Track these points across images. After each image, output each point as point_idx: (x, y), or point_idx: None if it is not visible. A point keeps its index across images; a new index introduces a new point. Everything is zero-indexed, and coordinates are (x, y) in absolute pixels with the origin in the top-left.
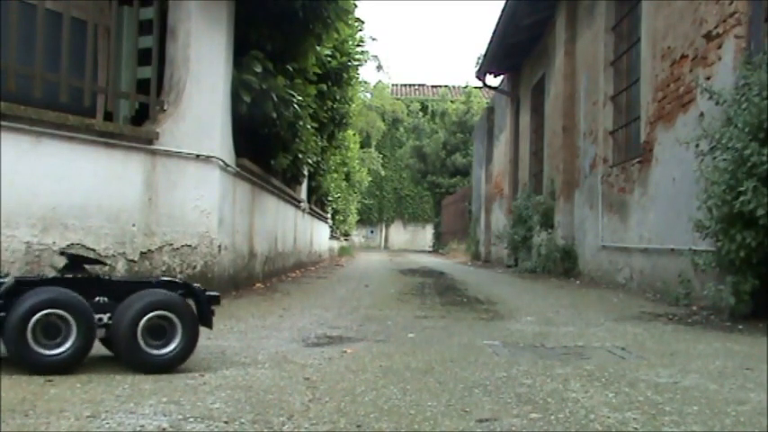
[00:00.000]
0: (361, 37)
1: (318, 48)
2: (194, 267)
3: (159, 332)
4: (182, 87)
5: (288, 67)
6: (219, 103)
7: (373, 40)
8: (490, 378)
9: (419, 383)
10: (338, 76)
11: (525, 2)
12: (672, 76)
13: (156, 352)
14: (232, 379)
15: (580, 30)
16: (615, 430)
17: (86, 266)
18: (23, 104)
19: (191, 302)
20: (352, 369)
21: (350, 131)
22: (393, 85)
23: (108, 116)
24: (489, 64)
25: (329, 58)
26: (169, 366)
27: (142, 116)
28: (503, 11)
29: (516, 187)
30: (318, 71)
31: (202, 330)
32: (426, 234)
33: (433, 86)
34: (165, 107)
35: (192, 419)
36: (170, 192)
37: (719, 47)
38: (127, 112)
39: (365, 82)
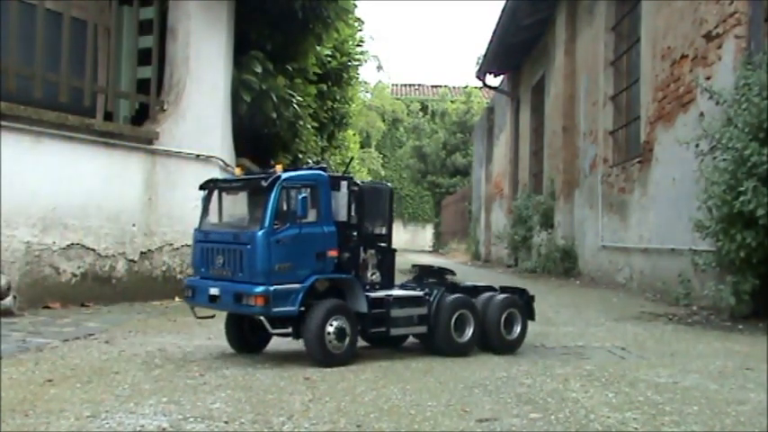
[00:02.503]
0: (360, 37)
1: (318, 48)
2: None
3: (509, 323)
4: (182, 87)
5: (288, 66)
6: (219, 103)
7: (373, 39)
8: (490, 378)
9: (419, 383)
10: (338, 76)
11: (525, 1)
12: (672, 76)
13: (508, 337)
14: (232, 379)
15: (580, 29)
16: (615, 430)
17: (448, 276)
18: (23, 104)
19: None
20: (352, 369)
21: (350, 131)
22: (393, 85)
23: (108, 116)
24: (489, 64)
25: (329, 58)
26: (514, 346)
27: (142, 116)
28: (503, 10)
29: (516, 187)
30: (318, 71)
31: (206, 331)
32: (426, 234)
33: (433, 86)
34: (165, 107)
35: (192, 419)
36: (170, 192)
37: (719, 47)
38: (127, 112)
39: (365, 82)
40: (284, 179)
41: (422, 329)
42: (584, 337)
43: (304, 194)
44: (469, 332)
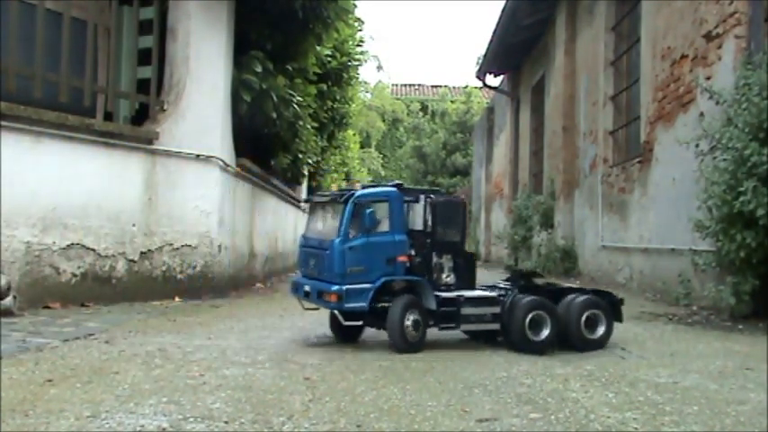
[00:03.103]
0: (360, 37)
1: (318, 48)
2: (194, 267)
3: (592, 323)
4: (182, 87)
5: (288, 66)
6: (219, 103)
7: (372, 39)
8: (490, 378)
9: (419, 383)
10: (338, 76)
11: (525, 1)
12: (672, 76)
13: (590, 336)
14: (232, 379)
15: (580, 29)
16: (615, 430)
17: (535, 279)
18: (23, 104)
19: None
20: (353, 369)
21: (350, 131)
22: (393, 85)
23: (108, 116)
24: (489, 64)
25: (329, 58)
26: (598, 346)
27: (142, 116)
28: (503, 10)
29: (516, 187)
30: (318, 71)
31: (206, 331)
32: None
33: (433, 86)
34: (165, 107)
35: (192, 419)
36: (170, 192)
37: (719, 47)
38: (127, 112)
39: (365, 82)
40: (357, 196)
41: (494, 326)
42: None
43: (372, 209)
44: (546, 332)
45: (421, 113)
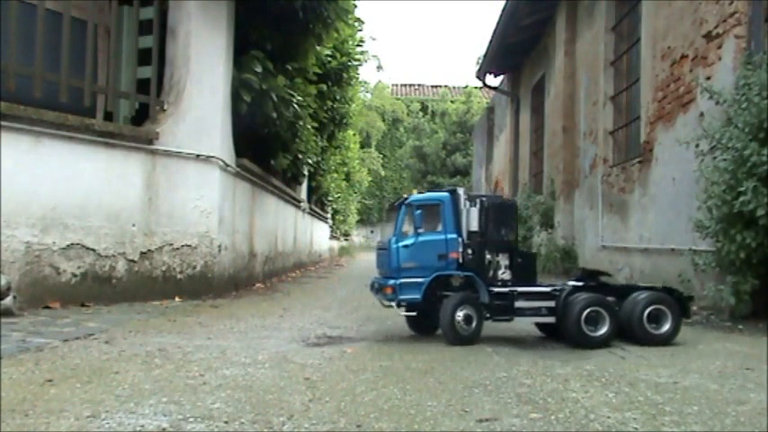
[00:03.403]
0: (360, 37)
1: (318, 48)
2: (194, 267)
3: (656, 319)
4: (182, 87)
5: (288, 66)
6: (220, 103)
7: (373, 39)
8: (490, 378)
9: (419, 383)
10: (338, 76)
11: (525, 2)
12: (672, 76)
13: (654, 331)
14: (232, 379)
15: (580, 30)
16: (615, 430)
17: (600, 277)
18: (23, 104)
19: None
20: (353, 369)
21: (350, 131)
22: (393, 85)
23: (108, 116)
24: (489, 64)
25: (329, 58)
26: (663, 341)
27: (142, 116)
28: (503, 11)
29: (516, 187)
30: (318, 71)
31: (206, 331)
32: None
33: (433, 86)
34: (165, 107)
35: (192, 419)
36: (170, 192)
37: (719, 47)
38: (127, 112)
39: (365, 82)
40: (409, 201)
41: (549, 320)
42: None
43: (421, 211)
44: (604, 328)
45: (421, 113)
